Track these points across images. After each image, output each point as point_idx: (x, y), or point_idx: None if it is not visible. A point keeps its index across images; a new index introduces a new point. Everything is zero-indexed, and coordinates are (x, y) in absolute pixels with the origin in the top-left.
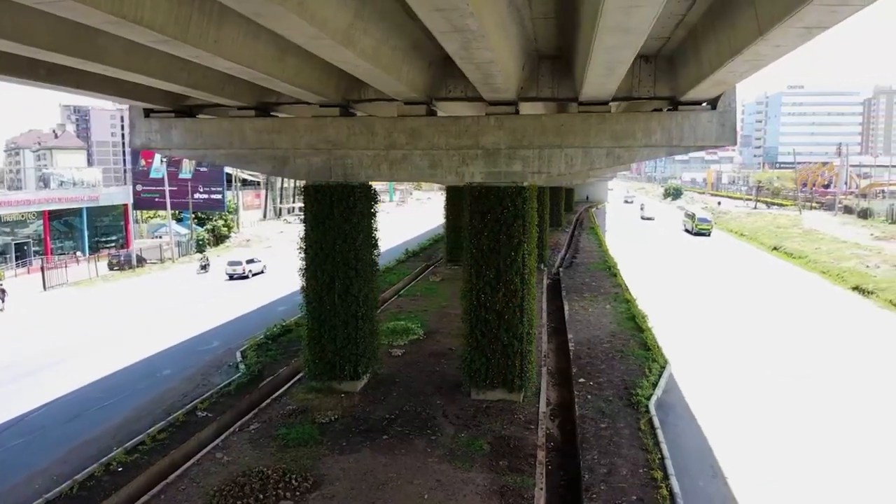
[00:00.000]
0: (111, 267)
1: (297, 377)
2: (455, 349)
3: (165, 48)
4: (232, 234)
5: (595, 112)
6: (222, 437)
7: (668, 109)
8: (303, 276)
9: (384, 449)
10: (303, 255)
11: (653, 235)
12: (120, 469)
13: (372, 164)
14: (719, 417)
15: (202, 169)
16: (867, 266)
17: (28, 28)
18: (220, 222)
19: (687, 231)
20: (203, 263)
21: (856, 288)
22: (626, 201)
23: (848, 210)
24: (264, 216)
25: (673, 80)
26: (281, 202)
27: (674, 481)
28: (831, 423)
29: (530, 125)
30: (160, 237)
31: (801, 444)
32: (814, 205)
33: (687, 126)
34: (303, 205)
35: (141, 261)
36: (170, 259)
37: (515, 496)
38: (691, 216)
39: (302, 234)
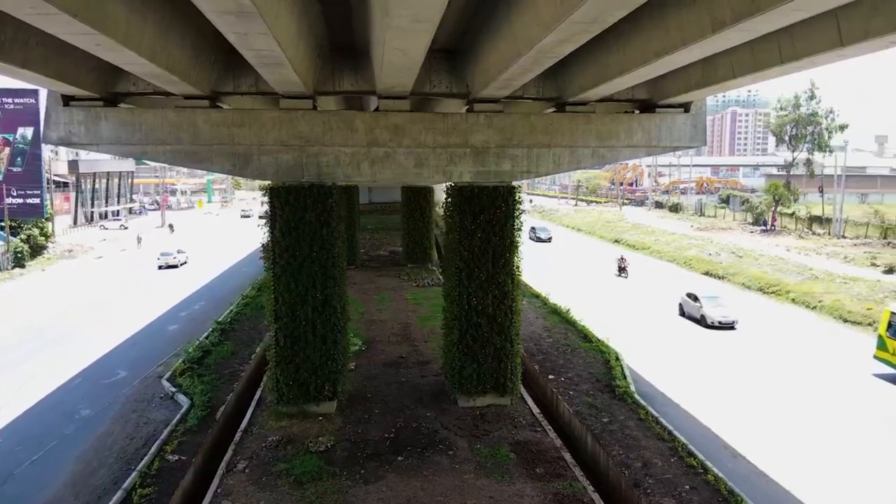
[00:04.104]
0: None
1: (254, 403)
2: (406, 357)
3: (226, 21)
4: (49, 244)
5: (581, 112)
6: (216, 481)
7: (639, 112)
8: (271, 289)
9: (409, 472)
10: (270, 265)
11: None
12: None
13: (351, 163)
14: (695, 402)
15: (15, 169)
16: (709, 254)
17: None
18: (37, 230)
19: None
20: None
21: (707, 273)
22: (540, 238)
23: (659, 205)
24: (75, 222)
25: (653, 85)
26: (92, 206)
27: (711, 466)
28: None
29: (519, 124)
30: None
31: (768, 412)
32: (624, 201)
33: (664, 128)
34: (268, 208)
35: None
36: None
37: (576, 503)
38: None
39: (267, 241)
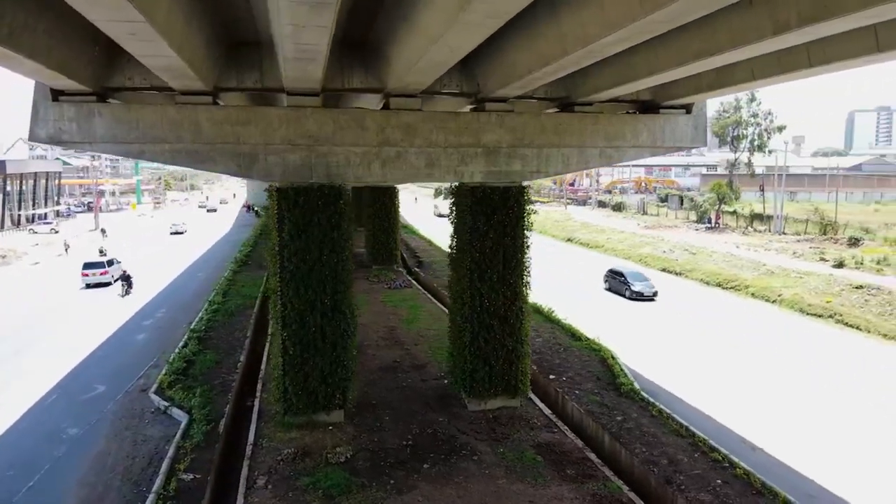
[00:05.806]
0: None
1: (255, 414)
2: (400, 361)
3: (297, 12)
4: None
5: (590, 113)
6: (240, 500)
7: (640, 112)
8: (278, 295)
9: (440, 480)
10: (277, 270)
11: None
12: None
13: (362, 163)
14: (699, 397)
15: None
16: (663, 251)
17: None
18: None
19: None
20: None
21: (664, 269)
22: (639, 295)
23: (602, 204)
24: (2, 226)
25: (661, 86)
26: (19, 209)
27: (738, 460)
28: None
29: (530, 124)
30: None
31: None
32: (567, 201)
33: (668, 128)
34: (276, 211)
35: None
36: None
37: (616, 503)
38: None
39: (273, 244)
